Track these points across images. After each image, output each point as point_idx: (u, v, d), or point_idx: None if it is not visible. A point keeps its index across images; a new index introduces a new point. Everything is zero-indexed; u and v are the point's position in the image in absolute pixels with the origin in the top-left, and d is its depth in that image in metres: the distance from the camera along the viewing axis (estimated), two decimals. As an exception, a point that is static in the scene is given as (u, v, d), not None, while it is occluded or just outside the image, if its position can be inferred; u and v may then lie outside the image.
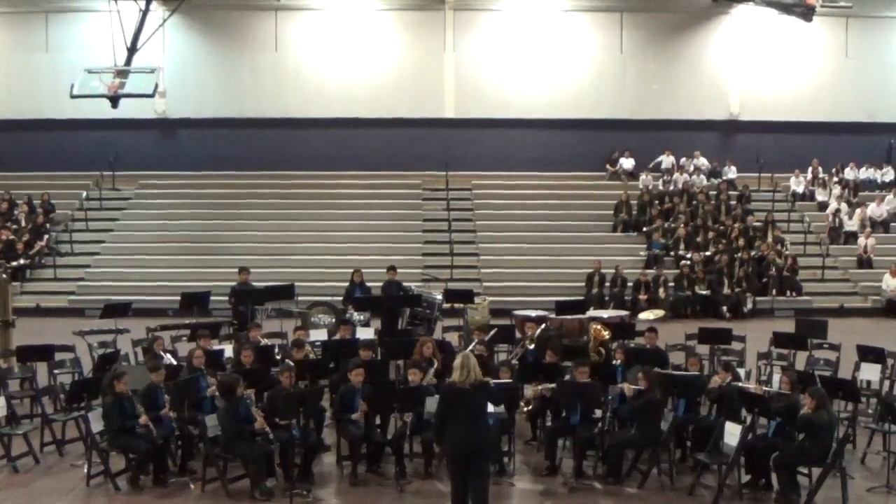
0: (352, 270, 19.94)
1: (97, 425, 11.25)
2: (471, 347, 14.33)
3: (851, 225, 28.72)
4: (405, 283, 20.34)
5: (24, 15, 31.45)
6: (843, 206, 29.23)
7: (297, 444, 11.21)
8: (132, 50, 24.85)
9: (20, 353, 14.78)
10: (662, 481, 11.49)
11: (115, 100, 23.15)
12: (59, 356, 14.83)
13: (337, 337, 15.49)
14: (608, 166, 31.98)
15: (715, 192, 29.85)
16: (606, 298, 25.07)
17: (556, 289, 24.51)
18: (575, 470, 11.57)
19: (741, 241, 27.00)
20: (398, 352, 14.51)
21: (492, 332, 15.61)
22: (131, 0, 25.32)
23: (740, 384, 12.06)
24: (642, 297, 24.94)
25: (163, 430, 11.37)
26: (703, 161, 31.42)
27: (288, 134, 31.48)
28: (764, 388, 12.27)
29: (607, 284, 25.46)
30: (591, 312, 19.67)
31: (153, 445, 11.16)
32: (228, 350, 14.78)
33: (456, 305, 19.51)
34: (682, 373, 12.78)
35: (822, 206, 30.10)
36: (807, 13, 28.11)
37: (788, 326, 17.68)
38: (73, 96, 23.38)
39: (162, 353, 13.77)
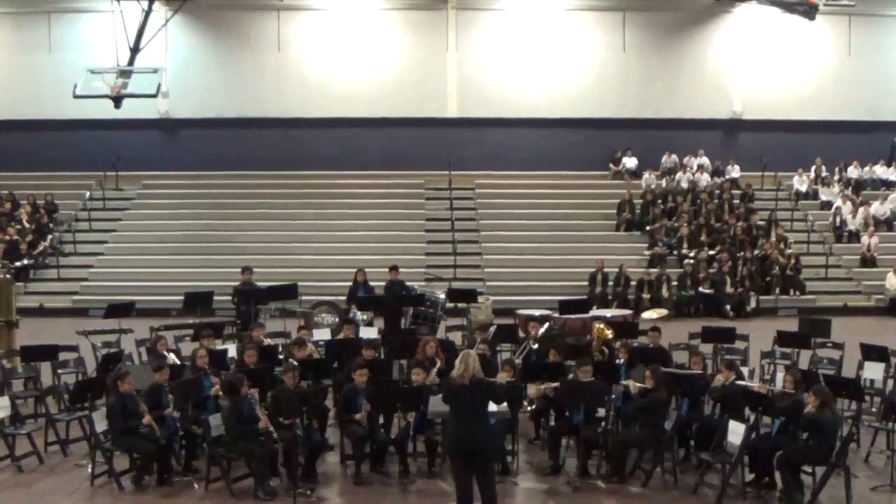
0: (355, 270, 19.94)
1: (101, 425, 11.27)
2: (475, 348, 14.34)
3: (854, 224, 28.68)
4: (408, 283, 20.36)
5: (27, 15, 31.44)
6: (847, 205, 29.20)
7: (301, 443, 11.21)
8: (135, 50, 24.90)
9: (24, 353, 14.81)
10: (666, 480, 11.47)
11: (117, 100, 23.22)
12: (62, 356, 14.82)
13: (340, 336, 15.50)
14: (611, 165, 31.98)
15: (718, 191, 29.84)
16: (610, 298, 25.04)
17: (560, 288, 24.48)
18: (579, 469, 11.56)
19: (745, 240, 27.00)
20: (401, 351, 14.51)
21: (491, 329, 15.63)
22: (134, 0, 25.36)
23: (744, 383, 12.05)
24: (645, 296, 24.93)
25: (166, 430, 11.37)
26: (704, 160, 31.39)
27: (290, 134, 31.49)
28: (767, 386, 12.26)
29: (610, 283, 25.42)
30: (595, 312, 19.69)
31: (157, 445, 11.17)
32: (232, 350, 14.77)
33: (459, 305, 19.51)
34: (686, 371, 12.77)
35: (826, 205, 30.07)
36: (810, 11, 28.12)
37: (792, 325, 17.66)
38: (75, 96, 23.44)
39: (165, 353, 13.79)
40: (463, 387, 9.45)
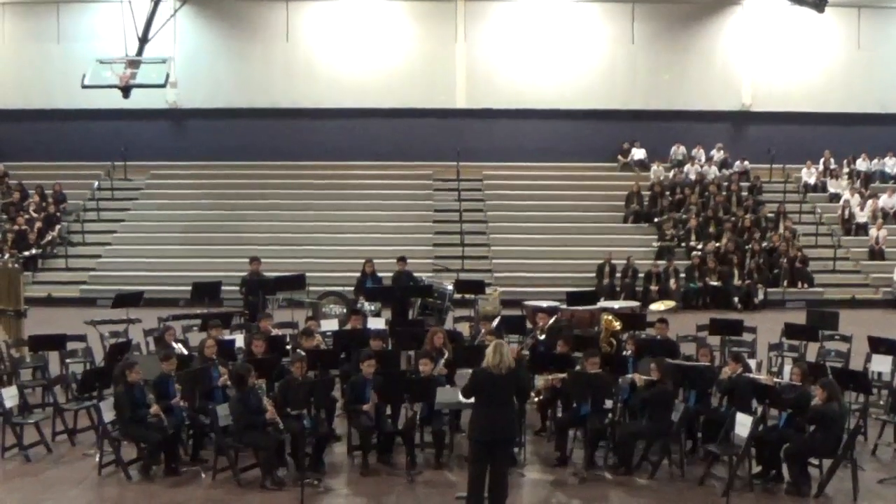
0: (363, 261, 19.94)
1: (109, 415, 11.28)
2: (479, 339, 14.34)
3: (863, 216, 28.62)
4: (416, 274, 20.34)
5: (36, 5, 31.50)
6: (855, 198, 29.13)
7: (308, 433, 11.22)
8: (143, 40, 24.92)
9: (32, 343, 14.83)
10: (673, 472, 11.47)
11: (126, 90, 23.24)
12: (70, 346, 14.87)
13: (348, 327, 15.50)
14: (619, 157, 31.93)
15: (726, 184, 29.78)
16: (617, 289, 25.07)
17: (567, 279, 24.50)
18: (585, 460, 11.56)
19: (755, 233, 26.95)
20: (409, 342, 14.50)
21: (496, 320, 15.63)
22: (142, -10, 25.39)
23: (751, 375, 12.03)
24: (653, 287, 24.90)
25: (174, 420, 11.39)
26: (721, 153, 31.32)
27: (299, 124, 31.50)
28: (775, 379, 12.24)
29: (618, 275, 25.45)
30: (602, 303, 19.68)
31: (164, 435, 11.18)
32: (240, 340, 14.81)
33: (467, 296, 19.49)
34: (693, 363, 12.76)
35: (834, 198, 30.02)
36: (819, 4, 28.00)
37: (800, 318, 17.66)
38: (84, 86, 23.46)
39: (173, 343, 13.79)
40: (497, 377, 9.51)
